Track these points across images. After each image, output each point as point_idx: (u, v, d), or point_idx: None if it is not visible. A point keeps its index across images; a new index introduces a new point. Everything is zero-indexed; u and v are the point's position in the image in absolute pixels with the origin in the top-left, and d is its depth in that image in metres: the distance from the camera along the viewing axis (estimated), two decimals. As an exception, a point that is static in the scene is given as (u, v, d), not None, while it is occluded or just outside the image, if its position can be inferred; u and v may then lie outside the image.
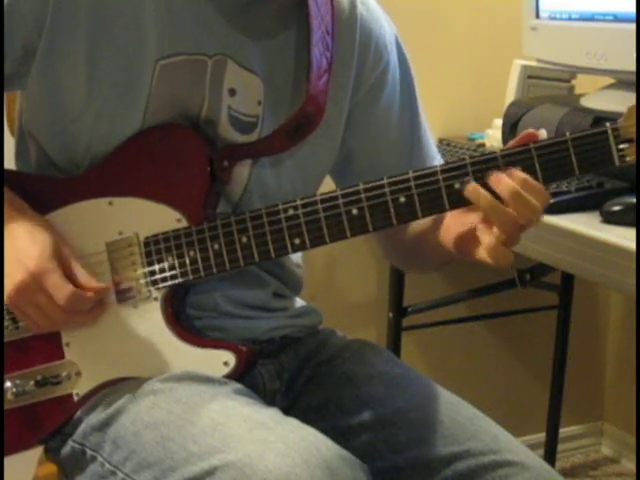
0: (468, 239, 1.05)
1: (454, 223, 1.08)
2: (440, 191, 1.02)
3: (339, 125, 1.21)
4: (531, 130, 1.02)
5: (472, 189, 1.00)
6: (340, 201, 1.04)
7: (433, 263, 1.29)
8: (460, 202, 1.02)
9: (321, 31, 1.14)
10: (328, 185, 1.19)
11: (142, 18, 1.09)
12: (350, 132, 1.22)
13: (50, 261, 1.05)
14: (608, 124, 0.98)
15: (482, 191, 1.00)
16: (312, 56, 1.13)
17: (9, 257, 1.06)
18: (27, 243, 1.06)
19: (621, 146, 0.98)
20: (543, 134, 1.02)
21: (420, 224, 1.18)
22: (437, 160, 1.29)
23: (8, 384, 1.11)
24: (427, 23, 2.06)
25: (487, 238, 1.00)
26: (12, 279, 1.05)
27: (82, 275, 1.07)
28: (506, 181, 0.99)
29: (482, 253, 1.02)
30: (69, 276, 1.06)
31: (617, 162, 0.98)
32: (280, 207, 1.05)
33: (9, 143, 1.22)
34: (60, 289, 1.04)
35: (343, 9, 1.20)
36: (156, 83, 1.10)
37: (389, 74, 1.23)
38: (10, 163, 1.19)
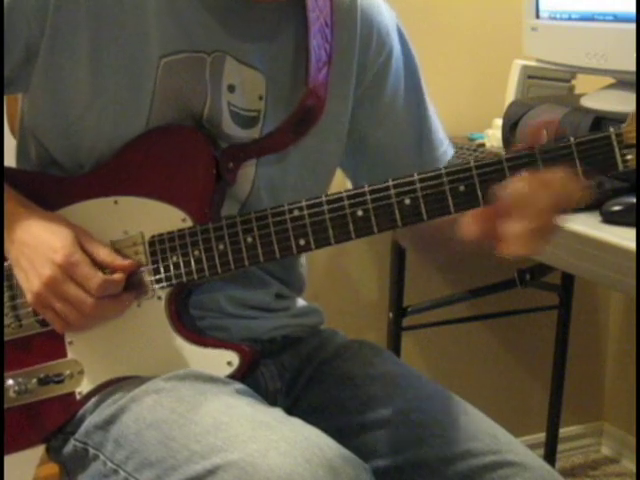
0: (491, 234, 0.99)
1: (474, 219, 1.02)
2: (445, 193, 1.02)
3: (344, 115, 1.21)
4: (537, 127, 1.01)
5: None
6: (345, 202, 1.04)
7: (443, 253, 1.33)
8: (465, 204, 1.02)
9: (319, 23, 1.14)
10: (337, 185, 1.19)
11: (144, 15, 1.09)
12: (359, 121, 1.22)
13: (75, 251, 1.05)
14: (612, 129, 0.98)
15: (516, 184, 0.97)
16: (310, 49, 1.13)
17: (29, 256, 1.06)
18: (47, 236, 1.06)
19: (624, 151, 0.98)
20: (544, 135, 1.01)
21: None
22: (446, 143, 1.29)
23: (10, 382, 1.11)
24: (427, 23, 2.06)
25: (517, 228, 0.96)
26: (38, 276, 1.05)
27: (107, 255, 1.07)
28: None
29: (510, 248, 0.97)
30: (94, 262, 1.06)
31: (621, 167, 0.98)
32: (285, 208, 1.05)
33: (9, 143, 1.22)
34: (91, 279, 1.04)
35: (343, 0, 1.20)
36: (160, 81, 1.10)
37: (392, 61, 1.23)
38: (10, 163, 1.19)
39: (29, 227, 1.07)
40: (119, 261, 1.07)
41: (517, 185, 0.97)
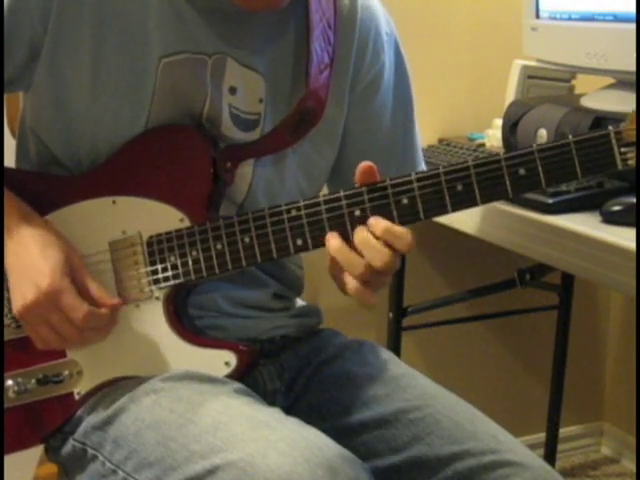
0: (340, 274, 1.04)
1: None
2: (442, 193, 1.02)
3: (339, 120, 1.21)
4: (365, 164, 1.02)
5: (328, 238, 1.02)
6: (343, 202, 1.04)
7: None
8: (463, 204, 1.02)
9: (322, 25, 1.14)
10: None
11: (146, 15, 1.09)
12: (345, 128, 1.22)
13: (63, 279, 1.04)
14: (611, 127, 0.98)
15: (333, 242, 1.01)
16: (312, 50, 1.13)
17: (18, 271, 1.05)
18: (38, 259, 1.05)
19: (623, 149, 0.98)
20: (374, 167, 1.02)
21: None
22: (423, 162, 1.30)
23: (10, 382, 1.12)
24: (427, 23, 2.06)
25: (350, 281, 1.01)
26: (22, 296, 1.04)
27: (95, 290, 1.07)
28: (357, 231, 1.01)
29: (349, 291, 1.03)
30: (82, 292, 1.06)
31: (620, 165, 0.98)
32: (283, 208, 1.05)
33: (9, 143, 1.22)
34: (76, 309, 1.04)
35: (344, 3, 1.19)
36: (160, 81, 1.10)
37: (385, 74, 1.23)
38: (10, 164, 1.19)
39: (27, 243, 1.06)
40: (107, 299, 1.07)
41: (337, 245, 1.01)
